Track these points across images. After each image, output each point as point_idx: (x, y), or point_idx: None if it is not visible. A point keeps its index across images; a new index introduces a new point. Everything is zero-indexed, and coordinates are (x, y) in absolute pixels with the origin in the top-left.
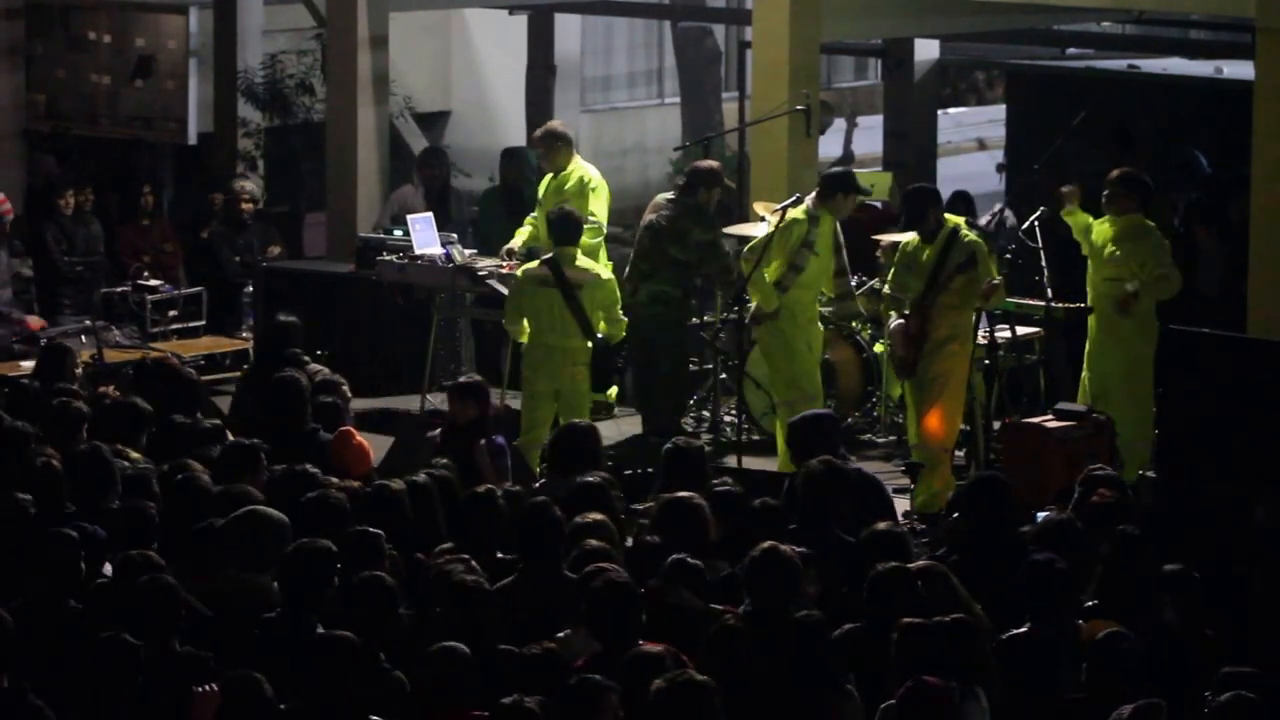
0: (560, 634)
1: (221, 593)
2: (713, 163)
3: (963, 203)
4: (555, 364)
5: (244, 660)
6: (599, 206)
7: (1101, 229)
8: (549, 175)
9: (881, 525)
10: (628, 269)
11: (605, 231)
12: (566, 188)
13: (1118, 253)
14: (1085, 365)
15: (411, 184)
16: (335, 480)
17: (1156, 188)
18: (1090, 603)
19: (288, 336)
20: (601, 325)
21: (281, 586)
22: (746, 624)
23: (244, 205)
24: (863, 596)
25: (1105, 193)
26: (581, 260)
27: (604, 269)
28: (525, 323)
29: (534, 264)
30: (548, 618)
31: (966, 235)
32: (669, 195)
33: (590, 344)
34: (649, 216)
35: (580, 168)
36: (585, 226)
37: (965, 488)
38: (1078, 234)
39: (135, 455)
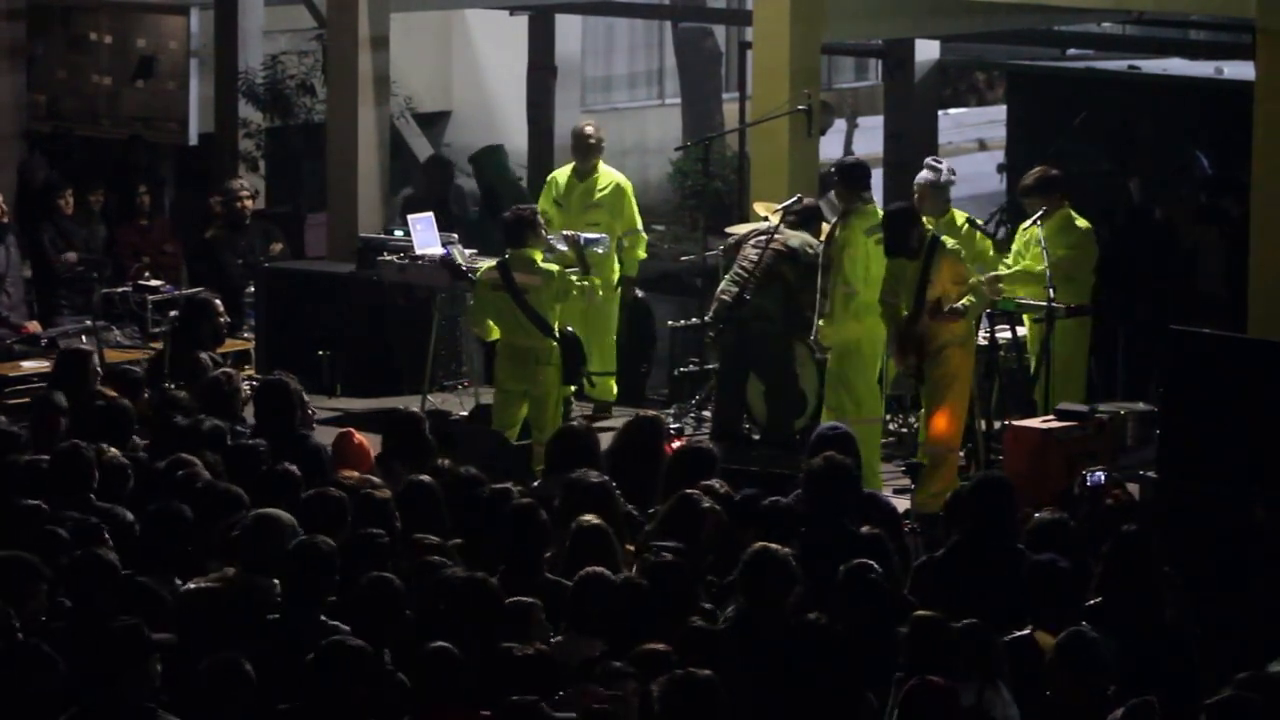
0: (554, 638)
1: (225, 593)
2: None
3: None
4: (522, 364)
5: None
6: (635, 212)
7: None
8: (567, 176)
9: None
10: (728, 278)
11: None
12: (598, 194)
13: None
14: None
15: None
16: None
17: (1157, 188)
18: (1092, 601)
19: (202, 311)
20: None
21: (285, 587)
22: (739, 625)
23: (243, 203)
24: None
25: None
26: (539, 260)
27: (554, 267)
28: (491, 323)
29: (487, 266)
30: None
31: (947, 243)
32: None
33: (555, 342)
34: (766, 239)
35: (612, 174)
36: (633, 235)
37: (969, 488)
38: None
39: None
